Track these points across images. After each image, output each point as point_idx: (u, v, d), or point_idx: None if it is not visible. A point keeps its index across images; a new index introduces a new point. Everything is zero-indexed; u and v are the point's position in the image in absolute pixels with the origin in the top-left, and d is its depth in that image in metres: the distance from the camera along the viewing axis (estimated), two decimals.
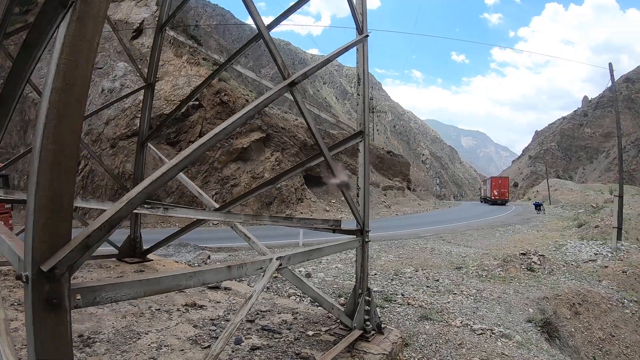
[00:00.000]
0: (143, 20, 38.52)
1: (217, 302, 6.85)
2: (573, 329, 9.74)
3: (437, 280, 10.83)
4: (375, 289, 9.27)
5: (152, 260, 9.15)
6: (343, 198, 35.49)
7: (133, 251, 9.10)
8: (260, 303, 6.92)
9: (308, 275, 10.89)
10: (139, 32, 37.92)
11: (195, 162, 32.52)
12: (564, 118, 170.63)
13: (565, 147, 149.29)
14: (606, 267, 14.32)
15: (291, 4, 5.94)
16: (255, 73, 7.70)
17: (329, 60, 4.88)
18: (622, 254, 16.32)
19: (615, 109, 21.18)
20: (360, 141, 5.34)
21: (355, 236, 5.46)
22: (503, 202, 62.13)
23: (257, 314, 6.44)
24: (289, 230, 20.41)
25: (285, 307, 6.86)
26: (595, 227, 23.08)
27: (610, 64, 20.82)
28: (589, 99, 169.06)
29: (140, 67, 32.79)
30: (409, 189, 64.46)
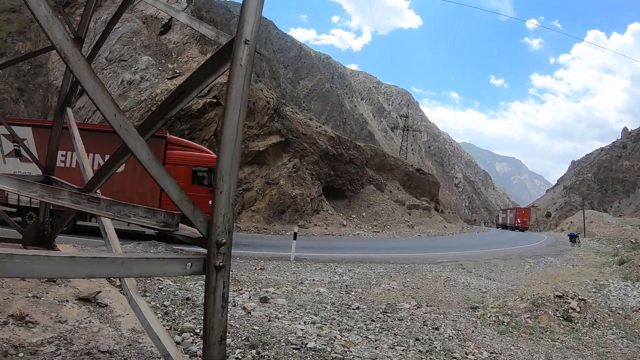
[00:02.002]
0: (172, 17, 38.17)
1: (60, 322, 4.87)
2: None
3: (437, 329, 7.99)
4: (312, 344, 6.31)
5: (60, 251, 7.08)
6: (364, 214, 33.44)
7: (41, 238, 7.46)
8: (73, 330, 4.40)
9: (264, 300, 8.28)
10: (167, 27, 38.54)
11: None
12: (601, 149, 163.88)
13: (601, 179, 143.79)
14: None
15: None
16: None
17: None
18: None
19: None
20: (228, 67, 2.56)
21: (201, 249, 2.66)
22: (523, 229, 74.51)
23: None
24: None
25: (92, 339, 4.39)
26: None
27: None
28: (629, 130, 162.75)
29: (164, 62, 32.35)
30: (436, 210, 61.56)
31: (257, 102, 34.76)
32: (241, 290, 9.82)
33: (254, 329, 6.56)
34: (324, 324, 7.42)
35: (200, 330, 5.73)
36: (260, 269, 13.59)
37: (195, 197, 9.29)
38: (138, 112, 32.25)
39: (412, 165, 64.54)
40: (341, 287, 11.47)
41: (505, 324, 8.98)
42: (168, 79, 34.26)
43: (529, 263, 21.50)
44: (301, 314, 7.88)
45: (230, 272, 10.43)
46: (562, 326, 9.22)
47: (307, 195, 35.11)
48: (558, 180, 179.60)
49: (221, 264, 2.84)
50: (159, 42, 37.58)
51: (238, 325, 6.63)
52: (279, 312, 7.76)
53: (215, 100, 32.46)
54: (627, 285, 15.49)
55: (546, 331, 8.77)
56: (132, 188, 17.00)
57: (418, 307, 9.51)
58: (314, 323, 7.40)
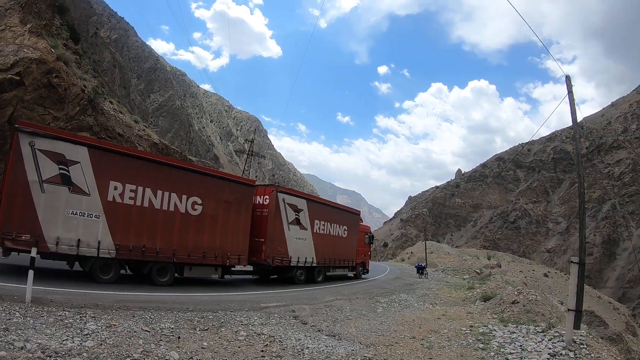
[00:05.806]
0: None
1: None
2: None
3: None
4: None
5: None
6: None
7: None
8: None
9: None
10: None
11: None
12: (437, 187, 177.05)
13: (435, 214, 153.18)
14: None
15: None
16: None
17: None
18: (584, 350, 9.43)
19: (578, 162, 14.18)
20: None
21: None
22: None
23: None
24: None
25: None
26: (514, 303, 15.85)
27: (567, 76, 13.84)
28: (462, 172, 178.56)
29: None
30: None
31: (70, 89, 28.32)
32: None
33: None
34: None
35: None
36: None
37: (366, 251, 32.74)
38: None
39: None
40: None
41: None
42: None
43: (380, 304, 16.82)
44: None
45: None
46: None
47: None
48: (395, 214, 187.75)
49: None
50: None
51: None
52: None
53: (18, 78, 25.39)
54: (514, 332, 11.42)
55: None
56: (350, 247, 27.99)
57: None
58: None
